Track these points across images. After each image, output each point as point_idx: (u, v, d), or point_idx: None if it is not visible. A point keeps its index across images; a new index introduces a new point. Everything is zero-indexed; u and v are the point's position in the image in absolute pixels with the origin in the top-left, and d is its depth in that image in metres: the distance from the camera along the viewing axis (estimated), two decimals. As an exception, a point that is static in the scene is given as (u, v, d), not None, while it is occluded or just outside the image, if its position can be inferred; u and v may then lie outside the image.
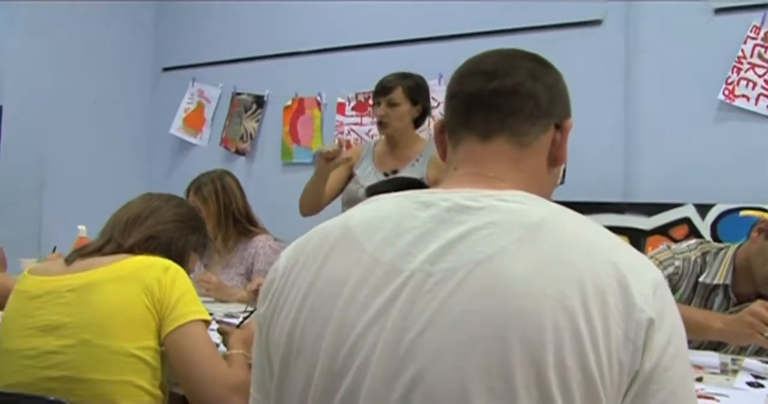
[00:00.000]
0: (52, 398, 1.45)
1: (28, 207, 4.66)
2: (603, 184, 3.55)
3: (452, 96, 1.07)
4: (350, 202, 3.15)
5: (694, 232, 3.30)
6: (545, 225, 0.86)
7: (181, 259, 1.71)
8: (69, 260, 1.66)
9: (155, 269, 1.59)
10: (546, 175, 1.03)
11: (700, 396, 1.59)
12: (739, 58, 3.37)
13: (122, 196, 5.05)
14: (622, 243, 0.89)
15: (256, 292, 2.40)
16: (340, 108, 4.45)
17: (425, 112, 3.17)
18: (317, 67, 4.53)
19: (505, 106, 1.01)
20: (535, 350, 0.78)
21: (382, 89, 3.08)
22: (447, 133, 1.07)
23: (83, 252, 1.67)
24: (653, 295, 0.82)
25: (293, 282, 0.95)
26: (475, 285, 0.82)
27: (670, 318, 0.83)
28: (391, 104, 3.05)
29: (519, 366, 0.78)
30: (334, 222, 0.99)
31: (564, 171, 1.12)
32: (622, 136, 3.62)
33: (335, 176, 3.24)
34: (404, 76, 3.11)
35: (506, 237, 0.85)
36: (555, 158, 1.03)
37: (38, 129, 4.74)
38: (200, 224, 1.84)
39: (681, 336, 0.85)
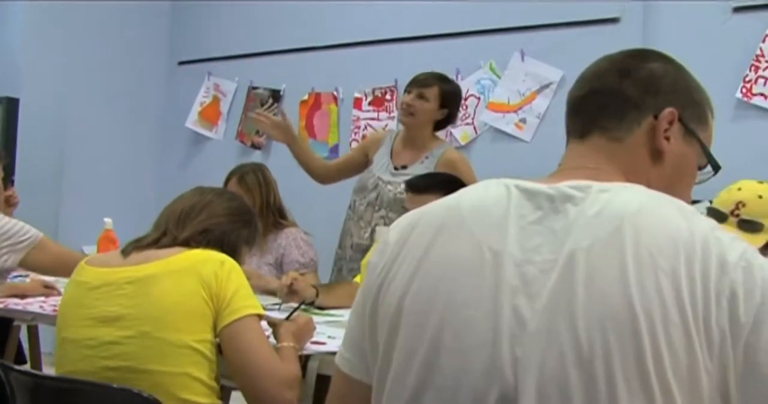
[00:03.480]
0: (116, 386, 1.49)
1: (46, 199, 4.69)
2: (620, 180, 3.58)
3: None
4: (358, 190, 3.18)
5: (710, 229, 3.33)
6: (641, 216, 0.89)
7: (233, 252, 1.74)
8: (126, 252, 1.69)
9: (212, 263, 1.62)
10: (651, 169, 1.04)
11: None
12: (757, 56, 3.41)
13: (138, 188, 5.12)
14: (716, 226, 0.91)
15: (289, 287, 2.43)
16: (357, 103, 4.49)
17: (449, 118, 3.20)
18: (334, 62, 4.57)
19: (591, 107, 1.07)
20: (632, 340, 0.83)
21: (420, 82, 3.10)
22: None
23: (139, 245, 1.70)
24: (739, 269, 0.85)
25: (404, 256, 0.99)
26: (575, 275, 0.87)
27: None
28: (421, 97, 3.08)
29: (618, 356, 0.83)
30: (446, 203, 1.02)
31: (712, 163, 1.10)
32: (639, 133, 3.66)
33: (350, 158, 3.42)
34: (445, 80, 3.14)
35: (604, 228, 0.88)
36: (657, 151, 1.04)
37: (55, 122, 4.78)
38: (252, 218, 1.86)
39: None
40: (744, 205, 2.03)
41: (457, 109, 3.24)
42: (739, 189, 2.06)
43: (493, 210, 0.97)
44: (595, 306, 0.85)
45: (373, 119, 4.44)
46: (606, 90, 1.06)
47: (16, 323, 2.45)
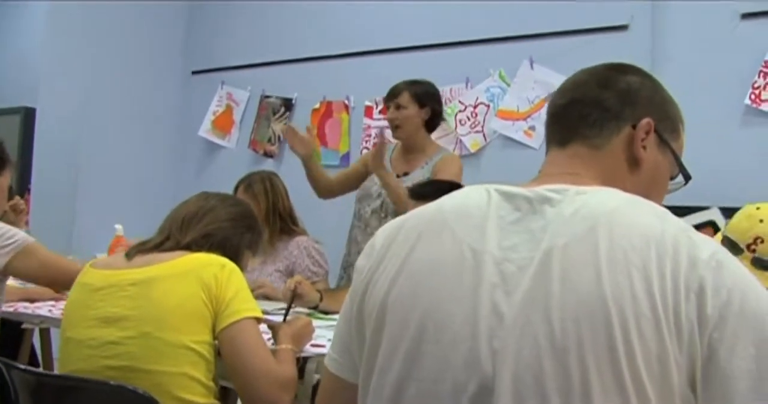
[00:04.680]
0: (113, 383, 1.53)
1: (61, 207, 4.75)
2: (628, 187, 3.58)
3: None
4: (362, 198, 3.27)
5: (719, 235, 3.32)
6: (615, 216, 0.92)
7: (235, 256, 1.77)
8: (130, 255, 1.73)
9: (213, 266, 1.66)
10: (628, 176, 1.08)
11: None
12: (766, 62, 3.39)
13: (153, 196, 5.16)
14: (688, 227, 0.93)
15: (293, 290, 2.46)
16: (368, 111, 4.52)
17: (435, 114, 3.26)
18: (345, 70, 4.60)
19: (572, 115, 1.10)
20: (605, 331, 0.85)
21: (391, 93, 3.25)
22: None
23: (143, 248, 1.74)
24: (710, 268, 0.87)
25: (389, 258, 1.03)
26: (551, 271, 0.90)
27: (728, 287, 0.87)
28: (399, 107, 3.20)
29: (591, 347, 0.85)
30: (430, 207, 1.07)
31: (683, 173, 1.14)
32: (648, 139, 3.66)
33: (353, 169, 3.50)
34: (412, 83, 3.27)
35: (579, 227, 0.92)
36: (634, 159, 1.08)
37: (71, 131, 4.84)
38: (254, 223, 1.90)
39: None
40: (762, 242, 1.88)
41: (439, 104, 3.32)
42: (761, 221, 1.91)
43: (474, 212, 1.00)
44: (569, 300, 0.87)
45: (384, 127, 4.46)
46: (587, 100, 1.10)
47: (24, 326, 2.49)
